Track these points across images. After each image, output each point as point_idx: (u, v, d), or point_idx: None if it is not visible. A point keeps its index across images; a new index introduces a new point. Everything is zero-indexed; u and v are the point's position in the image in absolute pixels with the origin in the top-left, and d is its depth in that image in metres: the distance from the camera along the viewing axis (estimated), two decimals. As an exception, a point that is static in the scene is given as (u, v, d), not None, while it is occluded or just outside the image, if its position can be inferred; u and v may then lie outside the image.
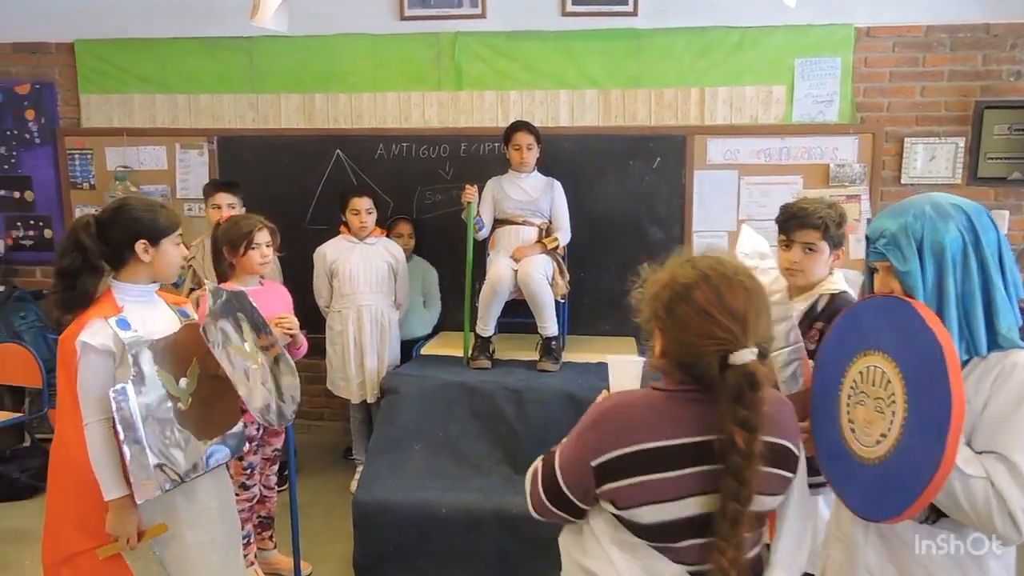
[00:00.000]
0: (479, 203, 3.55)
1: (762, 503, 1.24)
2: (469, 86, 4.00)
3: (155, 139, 4.25)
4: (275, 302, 2.70)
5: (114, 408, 1.83)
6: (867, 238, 1.45)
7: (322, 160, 4.12)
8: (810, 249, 2.12)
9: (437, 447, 3.00)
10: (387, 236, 3.70)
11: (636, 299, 1.34)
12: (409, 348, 3.77)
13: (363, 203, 3.48)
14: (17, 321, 4.04)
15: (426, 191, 4.09)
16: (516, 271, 3.39)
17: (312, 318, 3.65)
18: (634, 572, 1.24)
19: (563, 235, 3.59)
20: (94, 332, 1.84)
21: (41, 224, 4.39)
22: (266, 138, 4.16)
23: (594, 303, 3.95)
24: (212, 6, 4.07)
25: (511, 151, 3.53)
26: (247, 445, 2.75)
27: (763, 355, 1.20)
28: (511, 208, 3.55)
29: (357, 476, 3.44)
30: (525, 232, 3.54)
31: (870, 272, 1.48)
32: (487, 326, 3.48)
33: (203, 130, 4.21)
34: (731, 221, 3.91)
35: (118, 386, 1.85)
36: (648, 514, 1.22)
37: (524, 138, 3.48)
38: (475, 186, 3.48)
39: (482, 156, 4.02)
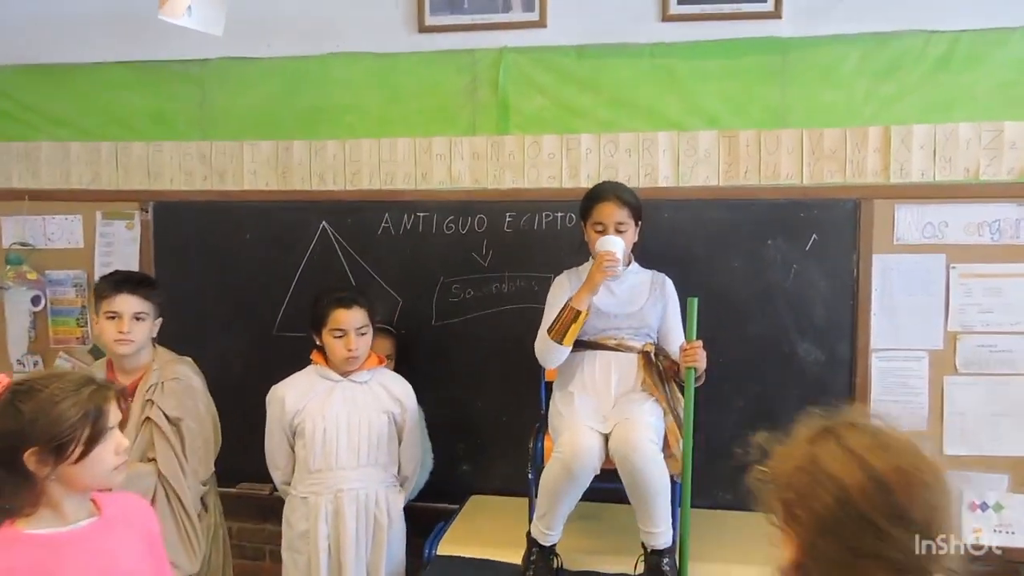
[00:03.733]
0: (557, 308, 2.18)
1: None
2: (520, 128, 2.66)
3: (68, 205, 2.97)
4: (123, 551, 1.31)
5: None
6: None
7: (301, 236, 2.80)
8: None
9: None
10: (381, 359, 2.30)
11: (757, 486, 0.98)
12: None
13: (352, 318, 2.13)
14: None
15: (452, 284, 2.72)
16: (607, 436, 1.98)
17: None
18: None
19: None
20: None
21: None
22: (222, 205, 2.86)
23: (712, 460, 2.44)
24: (150, 19, 2.81)
25: (591, 232, 2.20)
26: None
27: None
28: (601, 324, 2.16)
29: None
30: (621, 363, 2.13)
31: None
32: (551, 528, 2.07)
33: (134, 192, 2.92)
34: (936, 335, 2.47)
35: None
36: None
37: (613, 212, 2.15)
38: None
39: (538, 233, 2.66)
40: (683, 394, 2.11)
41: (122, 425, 1.99)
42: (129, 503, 1.48)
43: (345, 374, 2.16)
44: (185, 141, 2.88)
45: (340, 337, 2.12)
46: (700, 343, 2.05)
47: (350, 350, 2.12)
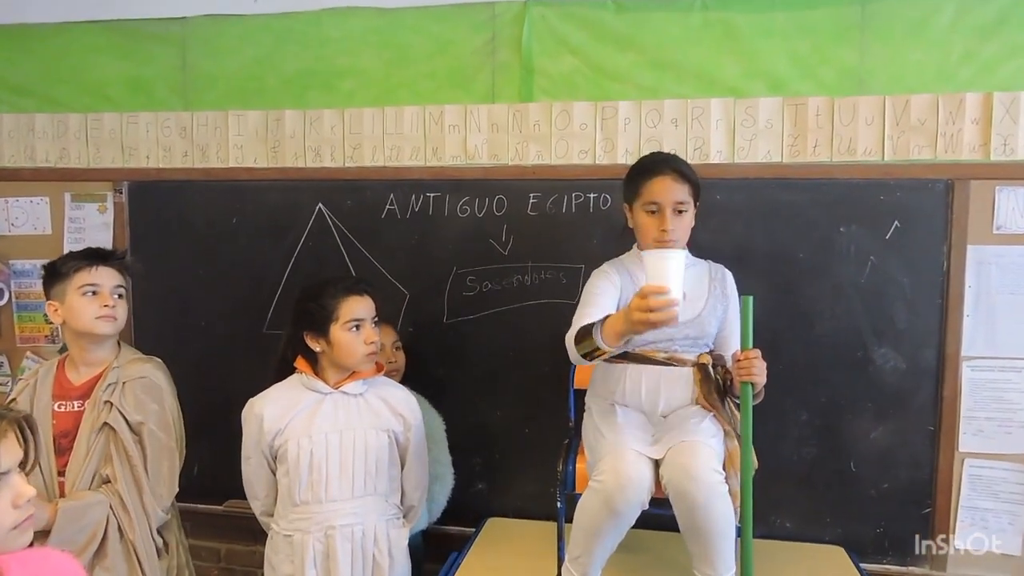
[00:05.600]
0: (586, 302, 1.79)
1: None
2: (546, 94, 2.29)
3: (34, 186, 2.63)
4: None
5: None
6: None
7: (295, 220, 2.45)
8: None
9: None
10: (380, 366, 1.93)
11: None
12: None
13: (368, 307, 1.82)
14: None
15: (467, 275, 2.36)
16: (658, 462, 1.62)
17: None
18: None
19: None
20: None
21: None
22: (204, 184, 2.51)
23: (769, 482, 2.06)
24: (124, -29, 2.48)
25: (641, 214, 1.78)
26: None
27: None
28: (650, 335, 1.71)
29: None
30: (672, 378, 1.76)
31: None
32: (587, 572, 1.71)
33: (107, 171, 2.58)
34: (1043, 342, 2.08)
35: None
36: None
37: (671, 189, 1.74)
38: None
39: (566, 217, 2.29)
40: (739, 411, 1.74)
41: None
42: (50, 565, 1.14)
43: (337, 385, 1.80)
44: (163, 111, 2.52)
45: (357, 331, 1.77)
46: (758, 353, 1.66)
47: (372, 343, 1.78)
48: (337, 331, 1.77)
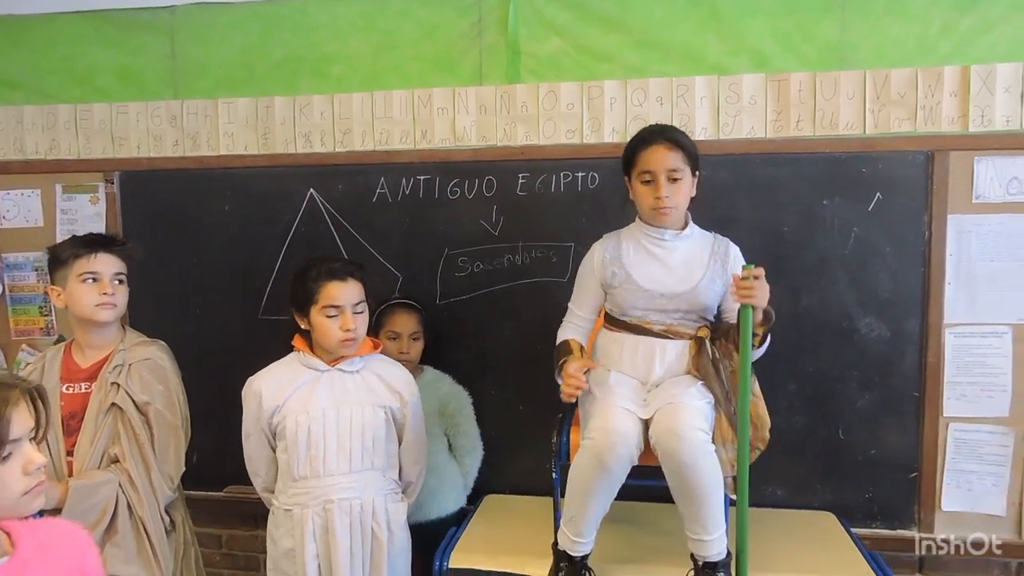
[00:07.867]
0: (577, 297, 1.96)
1: None
2: (533, 75, 2.31)
3: (24, 178, 2.63)
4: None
5: None
6: None
7: (287, 206, 2.47)
8: None
9: None
10: (377, 343, 1.96)
11: None
12: (425, 541, 2.04)
13: (348, 293, 1.79)
14: None
15: (459, 256, 2.39)
16: (647, 422, 1.65)
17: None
18: None
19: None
20: None
21: None
22: (196, 173, 2.52)
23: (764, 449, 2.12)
24: (110, -39, 2.49)
25: (637, 185, 1.79)
26: None
27: None
28: (643, 304, 1.79)
29: None
30: (668, 350, 1.79)
31: None
32: (580, 534, 1.75)
33: (97, 161, 2.59)
34: (1022, 308, 2.13)
35: None
36: None
37: (665, 157, 1.73)
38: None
39: (555, 196, 2.32)
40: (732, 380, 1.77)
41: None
42: (57, 533, 1.17)
43: (333, 362, 1.83)
44: (153, 101, 2.53)
45: (334, 316, 1.78)
46: (761, 272, 1.62)
47: (348, 330, 1.78)
48: (315, 314, 1.79)
